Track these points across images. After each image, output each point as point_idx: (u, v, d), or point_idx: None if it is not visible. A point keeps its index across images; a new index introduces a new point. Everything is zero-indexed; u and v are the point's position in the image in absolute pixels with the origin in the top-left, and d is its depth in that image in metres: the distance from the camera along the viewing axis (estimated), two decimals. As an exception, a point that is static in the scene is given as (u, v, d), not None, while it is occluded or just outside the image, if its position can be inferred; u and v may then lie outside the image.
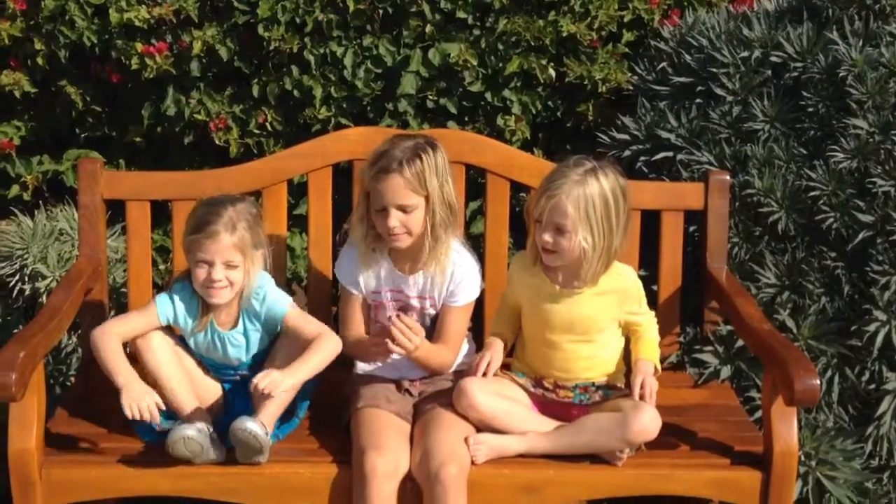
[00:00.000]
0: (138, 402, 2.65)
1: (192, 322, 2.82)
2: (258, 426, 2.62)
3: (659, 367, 2.87)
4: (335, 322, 3.05)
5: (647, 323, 2.92)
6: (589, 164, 2.74)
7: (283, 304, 2.81)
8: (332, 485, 2.70)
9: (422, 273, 2.89)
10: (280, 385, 2.64)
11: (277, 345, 2.85)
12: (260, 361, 2.86)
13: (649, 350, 2.88)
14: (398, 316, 2.77)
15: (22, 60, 3.98)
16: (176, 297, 2.81)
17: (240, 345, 2.85)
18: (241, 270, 2.75)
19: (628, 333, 2.92)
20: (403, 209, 2.78)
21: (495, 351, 2.86)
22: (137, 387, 2.68)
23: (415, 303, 2.92)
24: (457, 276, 2.88)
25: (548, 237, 2.73)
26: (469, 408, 2.75)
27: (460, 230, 3.00)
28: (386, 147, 2.81)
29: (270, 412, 2.72)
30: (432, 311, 2.92)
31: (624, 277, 2.86)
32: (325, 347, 2.75)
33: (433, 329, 2.94)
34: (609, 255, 2.77)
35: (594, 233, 2.71)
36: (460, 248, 2.91)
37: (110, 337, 2.74)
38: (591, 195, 2.69)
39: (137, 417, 2.64)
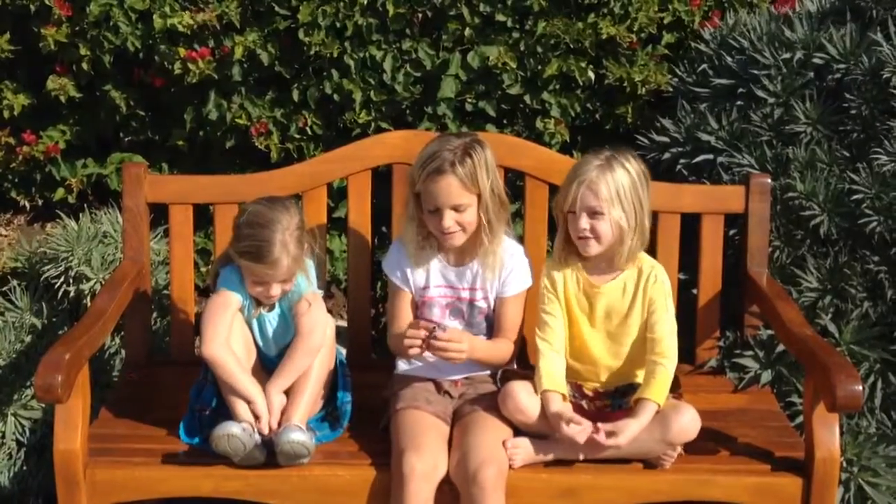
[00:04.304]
0: (256, 423, 2.72)
1: (249, 306, 2.87)
2: (301, 434, 2.66)
3: (662, 404, 2.72)
4: (371, 327, 3.07)
5: (669, 356, 2.78)
6: (607, 151, 2.80)
7: (303, 288, 2.85)
8: (371, 487, 2.71)
9: (473, 264, 2.91)
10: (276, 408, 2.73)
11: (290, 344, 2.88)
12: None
13: (658, 389, 2.73)
14: (435, 335, 2.75)
15: (67, 66, 4.04)
16: (234, 282, 2.85)
17: (276, 326, 2.89)
18: (293, 280, 2.82)
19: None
20: (457, 209, 2.81)
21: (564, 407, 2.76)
22: (263, 405, 2.76)
23: (465, 295, 2.93)
24: (508, 265, 2.91)
25: (584, 224, 2.76)
26: (515, 410, 2.77)
27: (510, 221, 3.01)
28: (435, 148, 2.82)
29: (302, 411, 2.76)
30: (483, 304, 2.94)
31: (654, 269, 2.85)
32: (302, 351, 2.79)
33: (484, 321, 2.95)
34: (643, 234, 2.80)
35: (626, 211, 2.76)
36: (508, 239, 2.95)
37: (226, 349, 2.77)
38: (619, 176, 2.75)
39: (255, 433, 2.70)
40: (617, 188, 2.75)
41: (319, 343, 2.81)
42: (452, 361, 2.79)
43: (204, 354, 2.77)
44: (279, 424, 2.73)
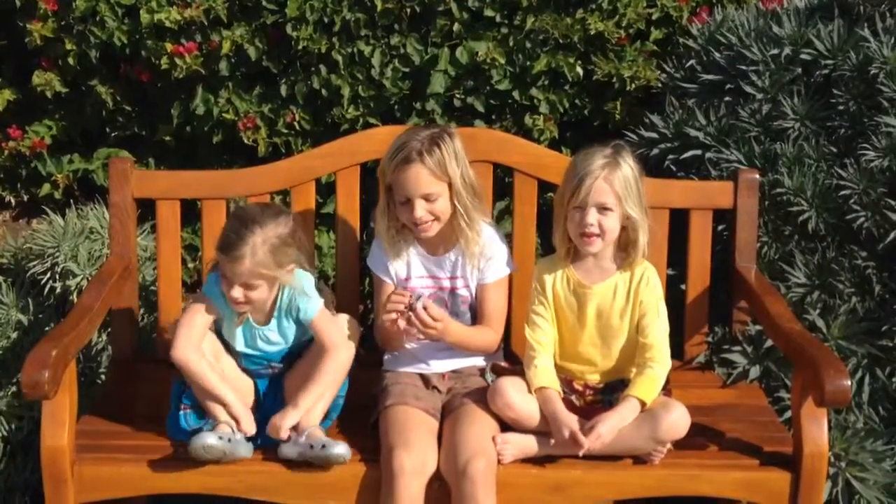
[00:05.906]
0: (237, 426, 2.72)
1: (231, 314, 2.84)
2: (343, 448, 2.66)
3: (648, 403, 2.72)
4: (360, 323, 3.05)
5: (659, 360, 2.76)
6: (609, 148, 2.79)
7: (313, 309, 2.81)
8: (361, 483, 2.71)
9: (452, 253, 2.92)
10: (286, 427, 2.70)
11: (306, 353, 2.86)
12: (294, 359, 2.88)
13: (646, 388, 2.72)
14: (414, 305, 2.76)
15: (53, 61, 4.02)
16: (214, 290, 2.82)
17: (274, 341, 2.86)
18: (262, 290, 2.75)
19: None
20: (427, 198, 2.81)
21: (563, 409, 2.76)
22: (239, 406, 2.75)
23: (446, 284, 2.94)
24: (486, 253, 2.91)
25: (592, 219, 2.74)
26: (505, 406, 2.76)
27: (487, 210, 3.02)
28: (403, 139, 2.84)
29: (318, 412, 2.76)
30: (465, 293, 2.94)
31: (646, 271, 2.84)
32: (332, 367, 2.77)
33: (468, 311, 2.95)
34: (647, 233, 2.79)
35: (636, 206, 2.75)
36: (487, 227, 2.95)
37: (197, 353, 2.75)
38: (626, 173, 2.75)
39: (235, 433, 2.69)
40: (626, 186, 2.74)
41: (343, 367, 2.79)
42: (428, 337, 2.81)
43: (172, 357, 2.74)
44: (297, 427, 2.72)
